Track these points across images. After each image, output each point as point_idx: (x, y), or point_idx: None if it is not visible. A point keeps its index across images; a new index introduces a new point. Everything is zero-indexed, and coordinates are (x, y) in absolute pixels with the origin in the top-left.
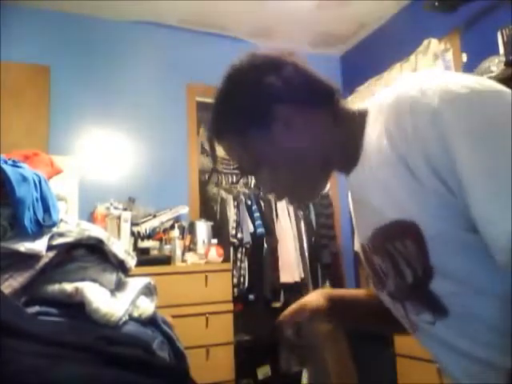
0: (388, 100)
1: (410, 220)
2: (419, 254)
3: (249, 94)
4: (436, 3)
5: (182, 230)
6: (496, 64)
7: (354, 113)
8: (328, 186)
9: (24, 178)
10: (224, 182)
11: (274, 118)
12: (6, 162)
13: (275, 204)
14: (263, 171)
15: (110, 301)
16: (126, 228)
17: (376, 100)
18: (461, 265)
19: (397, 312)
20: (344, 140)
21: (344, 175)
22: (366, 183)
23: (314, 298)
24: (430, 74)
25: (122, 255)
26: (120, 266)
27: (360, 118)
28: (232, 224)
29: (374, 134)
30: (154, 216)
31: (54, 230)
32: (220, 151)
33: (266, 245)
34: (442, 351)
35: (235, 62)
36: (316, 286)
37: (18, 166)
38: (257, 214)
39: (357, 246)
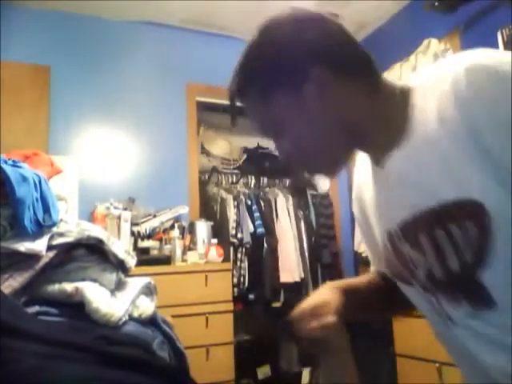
0: (445, 74)
1: (475, 199)
2: (479, 238)
3: (285, 47)
4: (436, 3)
5: (182, 229)
6: None
7: (396, 87)
8: (328, 185)
9: (24, 178)
10: (224, 182)
11: (308, 79)
12: (6, 162)
13: (275, 204)
14: (285, 135)
15: (110, 301)
16: (126, 228)
17: (424, 76)
18: None
19: (424, 305)
20: (385, 114)
21: (372, 155)
22: (415, 161)
23: (331, 295)
24: (485, 51)
25: (121, 255)
26: (120, 266)
27: (404, 93)
28: (232, 224)
29: (428, 109)
30: (154, 216)
31: (54, 229)
32: (219, 151)
33: (266, 245)
34: (478, 346)
35: (273, 15)
36: (316, 286)
37: (18, 166)
38: (257, 214)
39: (371, 238)
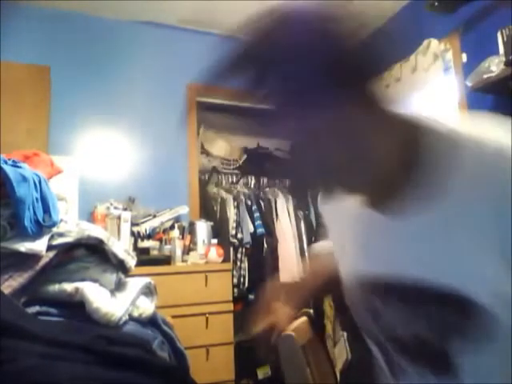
0: None
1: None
2: None
3: None
4: (436, 3)
5: (182, 230)
6: (496, 64)
7: None
8: None
9: (24, 178)
10: (224, 182)
11: None
12: (6, 162)
13: (275, 204)
14: None
15: (110, 301)
16: (125, 228)
17: None
18: None
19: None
20: None
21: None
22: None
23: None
24: None
25: (122, 255)
26: (120, 266)
27: None
28: (232, 224)
29: None
30: (154, 216)
31: (54, 229)
32: (219, 151)
33: (266, 245)
34: None
35: None
36: None
37: (18, 166)
38: (257, 214)
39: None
